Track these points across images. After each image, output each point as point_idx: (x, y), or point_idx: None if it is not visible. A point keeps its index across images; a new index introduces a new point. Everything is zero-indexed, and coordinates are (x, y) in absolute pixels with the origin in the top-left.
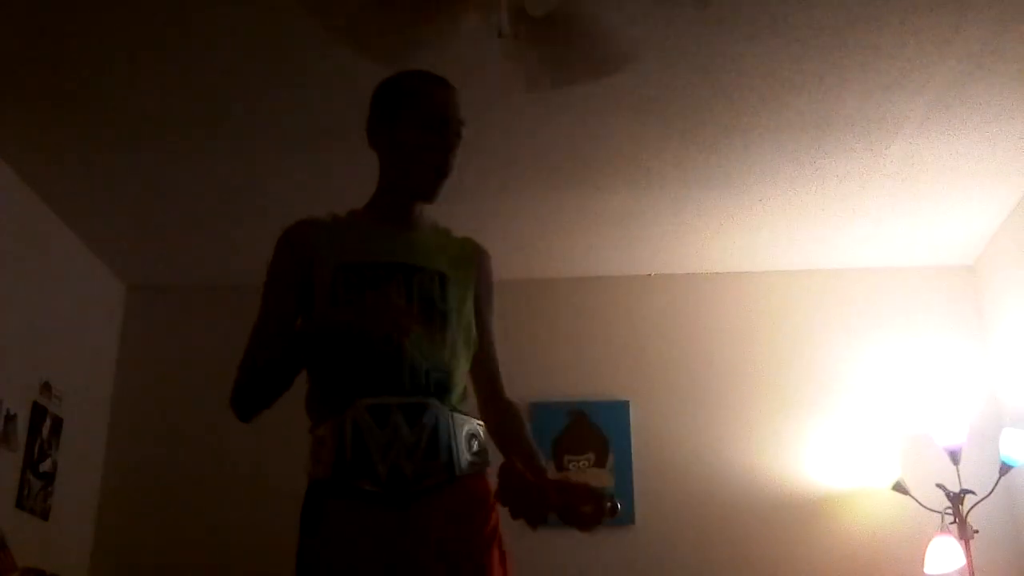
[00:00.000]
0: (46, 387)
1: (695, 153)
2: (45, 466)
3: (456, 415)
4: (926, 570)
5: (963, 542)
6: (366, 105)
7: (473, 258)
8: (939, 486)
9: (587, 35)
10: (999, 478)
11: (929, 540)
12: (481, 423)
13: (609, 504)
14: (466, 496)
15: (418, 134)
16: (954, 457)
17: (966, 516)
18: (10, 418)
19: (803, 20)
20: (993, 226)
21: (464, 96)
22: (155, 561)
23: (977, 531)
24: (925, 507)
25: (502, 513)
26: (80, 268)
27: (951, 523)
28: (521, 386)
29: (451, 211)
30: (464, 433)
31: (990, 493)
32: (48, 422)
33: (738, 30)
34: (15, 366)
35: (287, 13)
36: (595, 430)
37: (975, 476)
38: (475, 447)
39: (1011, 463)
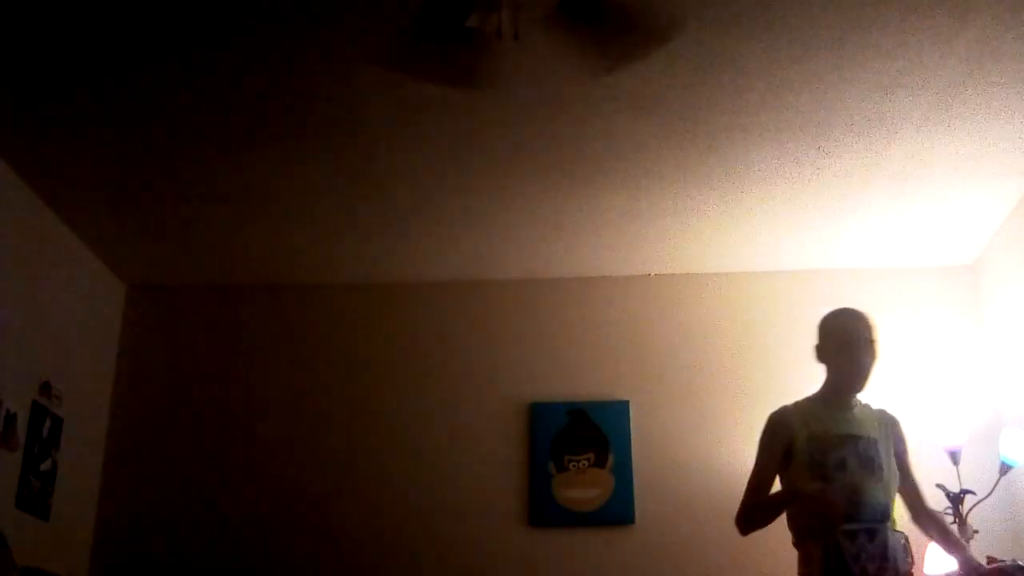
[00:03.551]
0: (46, 387)
1: (695, 153)
2: (45, 466)
3: (894, 532)
4: (926, 570)
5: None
6: (366, 105)
7: (888, 423)
8: (939, 486)
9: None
10: (999, 478)
11: (929, 540)
12: (905, 535)
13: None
14: None
15: (840, 357)
16: (954, 457)
17: (966, 516)
18: (10, 418)
19: (803, 20)
20: (993, 226)
21: (464, 96)
22: (155, 561)
23: (977, 531)
24: None
25: None
26: (80, 268)
27: (951, 523)
28: (521, 386)
29: (451, 211)
30: (901, 544)
31: (990, 493)
32: (48, 422)
33: (738, 30)
34: (15, 366)
35: (288, 14)
36: (595, 430)
37: (975, 476)
38: (906, 554)
39: (1011, 463)
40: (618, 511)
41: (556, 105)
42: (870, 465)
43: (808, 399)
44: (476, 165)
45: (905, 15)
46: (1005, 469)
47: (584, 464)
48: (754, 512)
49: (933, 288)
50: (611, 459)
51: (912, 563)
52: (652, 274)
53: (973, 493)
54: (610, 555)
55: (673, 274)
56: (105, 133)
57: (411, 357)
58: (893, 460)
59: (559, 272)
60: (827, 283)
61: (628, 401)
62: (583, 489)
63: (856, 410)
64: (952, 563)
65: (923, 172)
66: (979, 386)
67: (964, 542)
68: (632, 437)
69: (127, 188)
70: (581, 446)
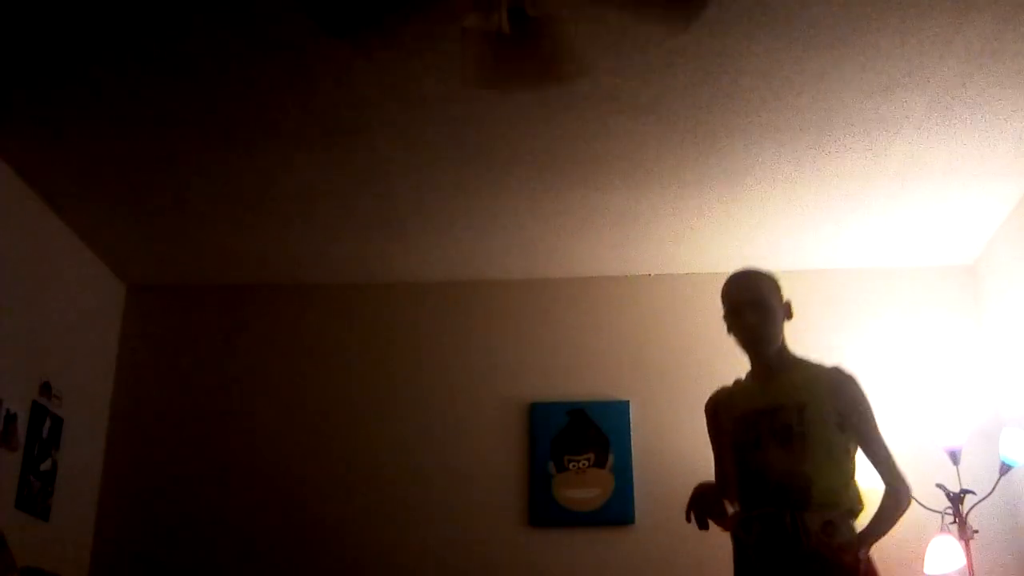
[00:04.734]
0: (46, 387)
1: (695, 153)
2: (45, 466)
3: (809, 514)
4: (926, 570)
5: (963, 542)
6: (367, 105)
7: (831, 384)
8: (939, 486)
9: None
10: (999, 478)
11: (929, 540)
12: (846, 513)
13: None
14: (818, 566)
15: (733, 326)
16: (954, 457)
17: (966, 516)
18: (10, 418)
19: (803, 20)
20: (993, 226)
21: (464, 96)
22: (155, 561)
23: (977, 531)
24: (925, 507)
25: None
26: (80, 268)
27: (951, 523)
28: (521, 386)
29: (451, 211)
30: (817, 525)
31: (990, 493)
32: (48, 422)
33: (738, 30)
34: (15, 366)
35: (288, 13)
36: (595, 430)
37: (975, 476)
38: (832, 533)
39: (1011, 463)
40: (618, 511)
41: (556, 105)
42: (784, 436)
43: (744, 376)
44: (476, 165)
45: (905, 15)
46: (1005, 469)
47: (584, 464)
48: (697, 501)
49: (933, 288)
50: (611, 459)
51: (852, 551)
52: (652, 274)
53: (973, 493)
54: (610, 555)
55: (673, 274)
56: (105, 133)
57: (411, 357)
58: (831, 427)
59: (559, 272)
60: (827, 283)
61: (628, 401)
62: (583, 489)
63: (784, 377)
64: (952, 564)
65: (923, 172)
66: (979, 386)
67: (874, 537)
68: (632, 437)
69: (127, 188)
70: (581, 446)
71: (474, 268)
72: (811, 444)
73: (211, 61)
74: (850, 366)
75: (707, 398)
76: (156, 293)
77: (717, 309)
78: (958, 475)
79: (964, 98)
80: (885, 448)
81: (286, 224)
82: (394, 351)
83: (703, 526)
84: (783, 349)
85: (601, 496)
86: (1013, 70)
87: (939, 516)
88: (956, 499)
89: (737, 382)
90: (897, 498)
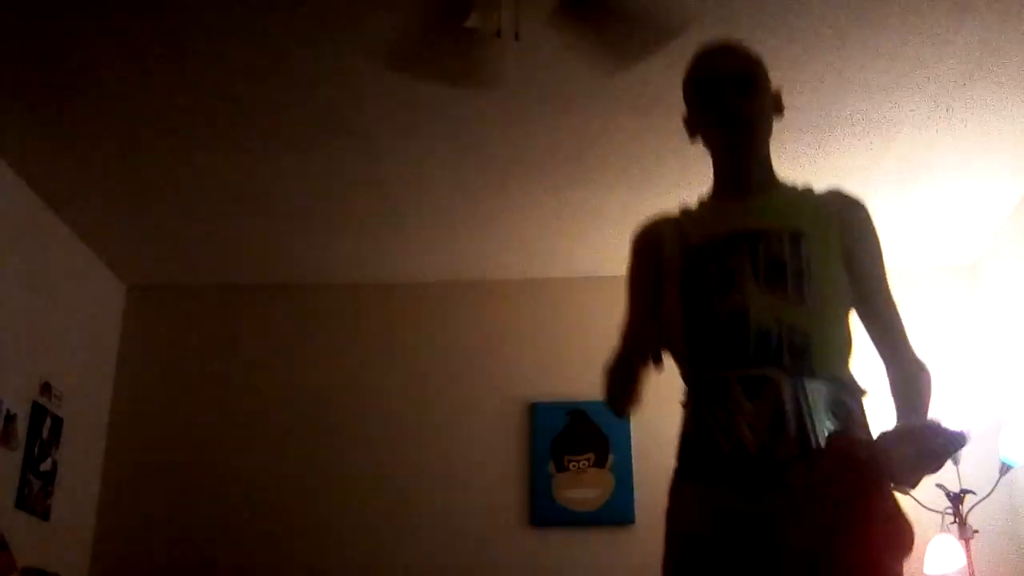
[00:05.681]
0: (46, 387)
1: (695, 153)
2: (45, 466)
3: (812, 382)
4: (926, 570)
5: (963, 542)
6: (367, 104)
7: (838, 210)
8: (939, 486)
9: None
10: (999, 478)
11: (929, 540)
12: (859, 389)
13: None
14: (828, 473)
15: (699, 118)
16: (954, 457)
17: (966, 516)
18: (10, 418)
19: (803, 20)
20: (994, 226)
21: (464, 96)
22: (155, 561)
23: (977, 531)
24: (925, 507)
25: None
26: (80, 268)
27: (951, 523)
28: (521, 386)
29: (451, 211)
30: (824, 401)
31: (990, 493)
32: (48, 422)
33: (738, 30)
34: (15, 366)
35: (289, 13)
36: (595, 430)
37: (975, 476)
38: (843, 416)
39: (1011, 463)
40: (618, 511)
41: (556, 105)
42: (776, 272)
43: (699, 201)
44: (476, 165)
45: (905, 15)
46: (1005, 469)
47: (584, 464)
48: (606, 375)
49: (933, 288)
50: (611, 459)
51: (867, 445)
52: None
53: (973, 493)
54: (610, 555)
55: None
56: (105, 133)
57: (411, 357)
58: (837, 266)
59: (559, 272)
60: None
61: None
62: (583, 489)
63: (771, 195)
64: (952, 564)
65: (923, 172)
66: (979, 386)
67: (924, 414)
68: (632, 437)
69: (127, 188)
70: (581, 446)
71: (474, 268)
72: (811, 286)
73: (211, 61)
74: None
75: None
76: (156, 293)
77: None
78: (958, 475)
79: (964, 98)
80: (895, 307)
81: (286, 224)
82: (394, 351)
83: (656, 359)
84: (769, 159)
85: (601, 496)
86: (1013, 70)
87: (939, 516)
88: (956, 499)
89: (686, 209)
90: (928, 375)
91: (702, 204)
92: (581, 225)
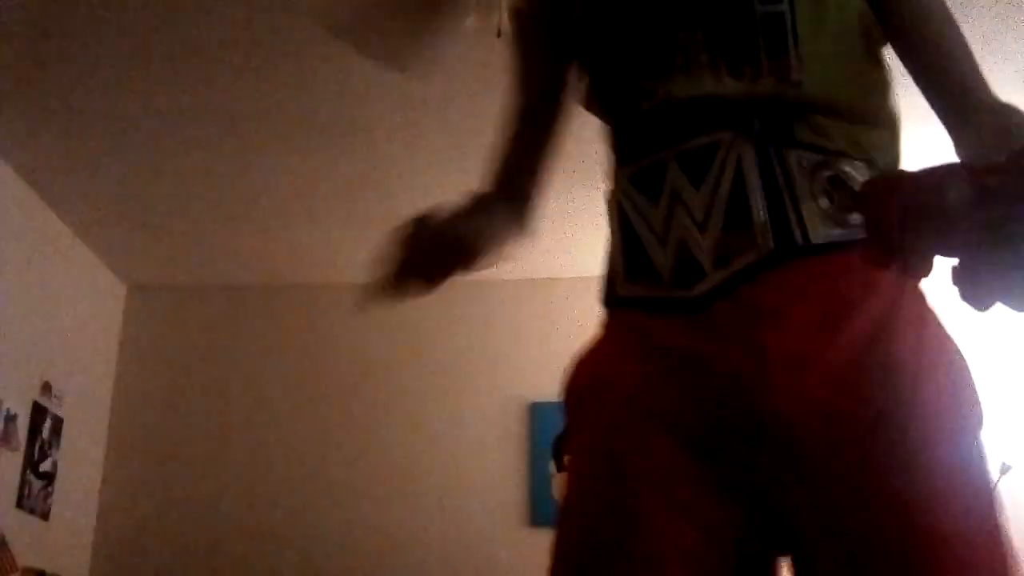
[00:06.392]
0: (46, 387)
1: None
2: (45, 466)
3: (796, 152)
4: None
5: None
6: (367, 104)
7: None
8: None
9: None
10: (999, 478)
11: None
12: (863, 163)
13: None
14: (820, 287)
15: None
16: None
17: None
18: (10, 418)
19: None
20: None
21: (464, 96)
22: (155, 561)
23: None
24: None
25: None
26: (80, 268)
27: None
28: (521, 386)
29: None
30: (813, 181)
31: None
32: (48, 422)
33: None
34: (15, 366)
35: (288, 13)
36: None
37: None
38: (837, 202)
39: (1011, 463)
40: None
41: None
42: None
43: None
44: (476, 165)
45: None
46: (1005, 469)
47: None
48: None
49: (931, 287)
50: None
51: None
52: None
53: None
54: None
55: None
56: (105, 133)
57: (411, 357)
58: None
59: (559, 272)
60: None
61: None
62: None
63: None
64: None
65: None
66: (979, 386)
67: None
68: None
69: (127, 188)
70: None
71: None
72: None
73: (211, 61)
74: None
75: None
76: (156, 293)
77: None
78: None
79: None
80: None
81: (286, 224)
82: (394, 351)
83: (432, 278)
84: None
85: None
86: (1013, 70)
87: None
88: None
89: None
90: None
91: None
92: (581, 225)
